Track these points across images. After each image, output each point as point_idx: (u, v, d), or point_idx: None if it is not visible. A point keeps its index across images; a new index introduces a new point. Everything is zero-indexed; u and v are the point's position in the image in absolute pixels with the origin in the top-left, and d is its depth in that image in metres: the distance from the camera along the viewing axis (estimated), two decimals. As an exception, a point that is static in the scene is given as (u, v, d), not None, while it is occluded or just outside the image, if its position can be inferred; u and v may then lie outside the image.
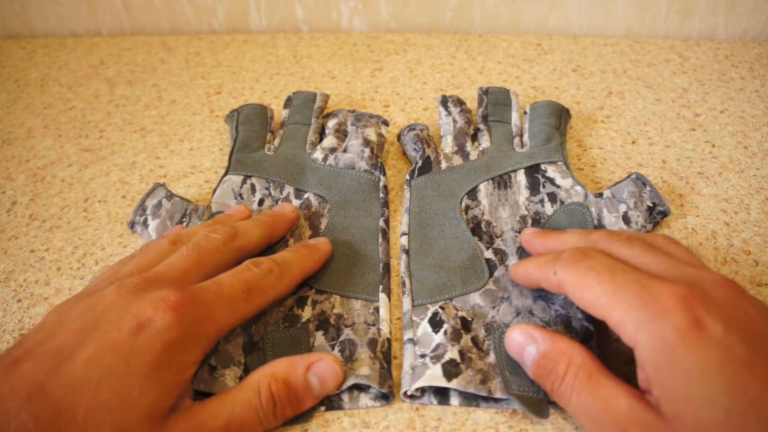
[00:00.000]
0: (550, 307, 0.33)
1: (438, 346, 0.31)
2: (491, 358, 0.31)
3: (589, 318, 0.32)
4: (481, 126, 0.45)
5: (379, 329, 0.33)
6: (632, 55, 0.57)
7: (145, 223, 0.39)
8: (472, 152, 0.42)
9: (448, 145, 0.43)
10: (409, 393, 0.30)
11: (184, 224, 0.38)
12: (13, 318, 0.35)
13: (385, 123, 0.45)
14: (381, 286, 0.35)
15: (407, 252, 0.37)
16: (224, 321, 0.29)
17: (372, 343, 0.32)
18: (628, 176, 0.38)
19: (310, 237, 0.38)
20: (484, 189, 0.40)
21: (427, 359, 0.30)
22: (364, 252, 0.37)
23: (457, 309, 0.33)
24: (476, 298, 0.34)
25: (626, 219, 0.37)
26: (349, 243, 0.37)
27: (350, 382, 0.29)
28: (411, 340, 0.32)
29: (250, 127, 0.45)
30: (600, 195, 0.38)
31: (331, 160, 0.42)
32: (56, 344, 0.26)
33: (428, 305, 0.33)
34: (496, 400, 0.30)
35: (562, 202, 0.38)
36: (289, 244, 0.37)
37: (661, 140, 0.47)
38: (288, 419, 0.29)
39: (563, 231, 0.35)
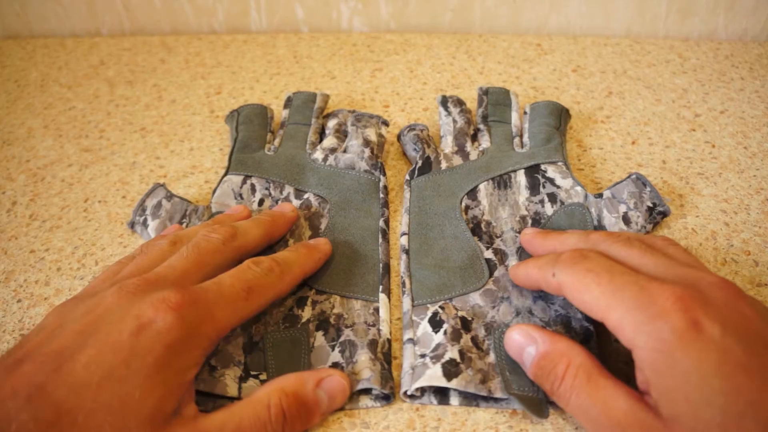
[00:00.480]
0: (549, 307, 0.33)
1: (438, 345, 0.31)
2: (491, 357, 0.31)
3: (589, 318, 0.32)
4: (481, 126, 0.45)
5: (379, 330, 0.33)
6: (632, 56, 0.57)
7: (144, 223, 0.39)
8: (472, 152, 0.42)
9: (448, 145, 0.43)
10: (409, 393, 0.30)
11: (184, 224, 0.38)
12: (13, 318, 0.35)
13: (385, 123, 0.45)
14: (381, 287, 0.35)
15: (407, 252, 0.37)
16: (225, 321, 0.29)
17: (372, 344, 0.32)
18: (628, 176, 0.38)
19: (310, 237, 0.38)
20: (484, 189, 0.40)
21: (427, 359, 0.30)
22: (364, 252, 0.37)
23: (457, 309, 0.33)
24: (476, 298, 0.34)
25: (626, 219, 0.37)
26: (349, 243, 0.37)
27: (355, 388, 0.30)
28: (411, 340, 0.32)
29: (250, 128, 0.45)
30: (600, 195, 0.38)
31: (331, 160, 0.42)
32: (57, 346, 0.26)
33: (428, 305, 0.33)
34: (496, 400, 0.30)
35: (562, 203, 0.38)
36: (289, 244, 0.37)
37: (661, 140, 0.47)
38: (300, 427, 0.28)
39: (563, 231, 0.35)
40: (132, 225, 0.40)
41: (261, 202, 0.40)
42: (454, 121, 0.45)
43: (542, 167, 0.41)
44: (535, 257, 0.33)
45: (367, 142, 0.42)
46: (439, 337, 0.31)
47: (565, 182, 0.39)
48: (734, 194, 0.42)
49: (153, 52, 0.60)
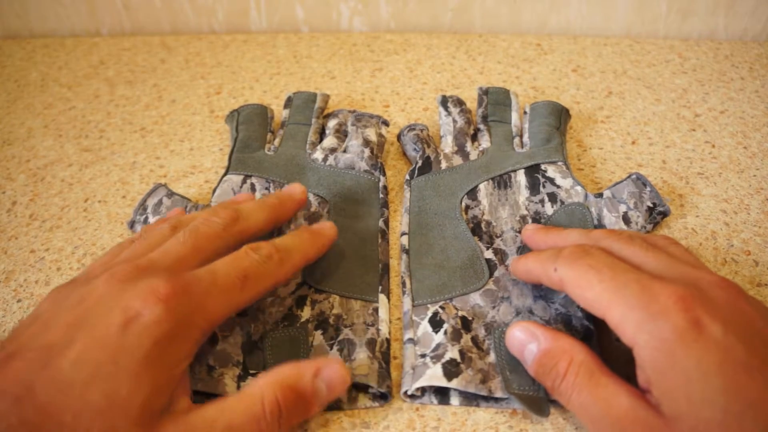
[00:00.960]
0: (550, 307, 0.33)
1: (438, 345, 0.31)
2: (491, 357, 0.31)
3: (590, 317, 0.32)
4: (481, 126, 0.45)
5: (378, 329, 0.33)
6: (632, 56, 0.57)
7: (145, 222, 0.39)
8: (472, 152, 0.42)
9: (448, 145, 0.43)
10: (409, 393, 0.30)
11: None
12: (13, 318, 0.35)
13: (385, 123, 0.45)
14: (380, 287, 0.35)
15: (407, 252, 0.37)
16: (218, 311, 0.28)
17: (371, 343, 0.32)
18: (629, 176, 0.38)
19: None
20: (484, 189, 0.40)
21: (428, 359, 0.30)
22: (363, 252, 0.37)
23: (457, 309, 0.33)
24: (476, 298, 0.34)
25: (626, 219, 0.37)
26: (349, 243, 0.37)
27: (351, 381, 0.29)
28: (411, 340, 0.32)
29: (251, 127, 0.45)
30: (600, 195, 0.38)
31: (331, 160, 0.42)
32: (48, 340, 0.25)
33: (428, 305, 0.33)
34: (497, 400, 0.30)
35: (562, 202, 0.38)
36: None
37: (661, 140, 0.47)
38: (293, 427, 0.28)
39: (564, 228, 0.35)
40: (132, 224, 0.40)
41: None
42: (454, 121, 0.45)
43: (542, 167, 0.41)
44: (536, 251, 0.33)
45: (367, 142, 0.42)
46: (439, 337, 0.31)
47: (565, 182, 0.39)
48: (734, 194, 0.42)
49: (153, 52, 0.60)
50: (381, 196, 0.40)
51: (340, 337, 0.32)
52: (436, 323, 0.32)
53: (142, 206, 0.40)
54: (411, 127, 0.44)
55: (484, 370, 0.30)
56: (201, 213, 0.33)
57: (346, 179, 0.41)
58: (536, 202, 0.39)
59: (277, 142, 0.45)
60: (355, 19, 0.62)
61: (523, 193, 0.39)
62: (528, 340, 0.29)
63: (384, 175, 0.42)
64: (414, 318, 0.33)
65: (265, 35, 0.62)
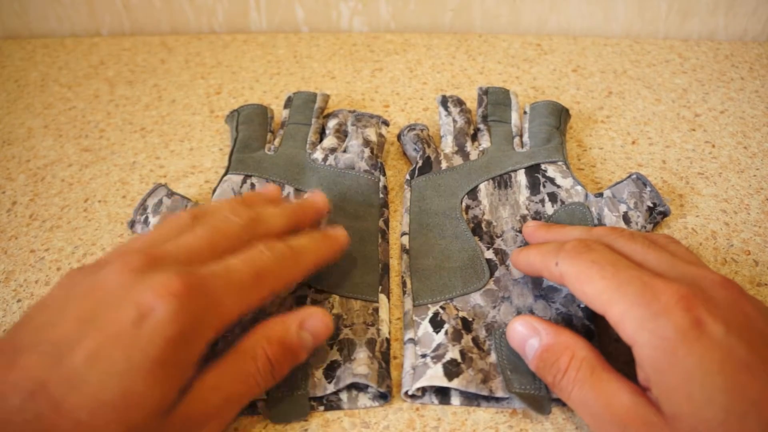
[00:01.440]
0: (550, 306, 0.33)
1: (439, 346, 0.31)
2: (492, 357, 0.31)
3: (590, 317, 0.32)
4: (481, 126, 0.45)
5: (378, 329, 0.33)
6: (632, 56, 0.57)
7: (146, 222, 0.39)
8: (472, 152, 0.42)
9: (448, 145, 0.43)
10: (410, 393, 0.30)
11: None
12: (14, 318, 0.35)
13: (386, 123, 0.45)
14: (380, 287, 0.35)
15: (408, 252, 0.37)
16: (232, 311, 0.27)
17: (371, 343, 0.31)
18: (629, 176, 0.38)
19: None
20: (485, 189, 0.40)
21: (428, 359, 0.30)
22: (363, 253, 0.37)
23: (457, 309, 0.33)
24: (477, 298, 0.34)
25: (626, 219, 0.37)
26: (349, 243, 0.37)
27: (348, 381, 0.29)
28: (412, 340, 0.32)
29: (251, 127, 0.45)
30: (600, 195, 0.38)
31: (331, 160, 0.42)
32: (56, 335, 0.25)
33: (429, 305, 0.33)
34: (497, 400, 0.30)
35: (562, 202, 0.38)
36: None
37: (661, 140, 0.47)
38: (285, 375, 0.29)
39: (565, 225, 0.35)
40: (132, 224, 0.40)
41: (261, 202, 0.40)
42: (454, 121, 0.45)
43: (542, 167, 0.41)
44: (537, 244, 0.33)
45: (366, 142, 0.42)
46: (440, 338, 0.31)
47: (565, 182, 0.39)
48: (734, 194, 0.42)
49: (153, 52, 0.60)
50: (381, 196, 0.40)
51: (340, 337, 0.32)
52: (436, 323, 0.32)
53: (143, 206, 0.40)
54: (411, 127, 0.44)
55: (485, 370, 0.30)
56: (224, 205, 0.32)
57: (346, 179, 0.41)
58: (536, 202, 0.39)
59: (277, 142, 0.45)
60: (355, 19, 0.62)
61: (523, 193, 0.39)
62: (529, 335, 0.29)
63: (384, 175, 0.42)
64: (414, 318, 0.33)
65: (265, 35, 0.62)
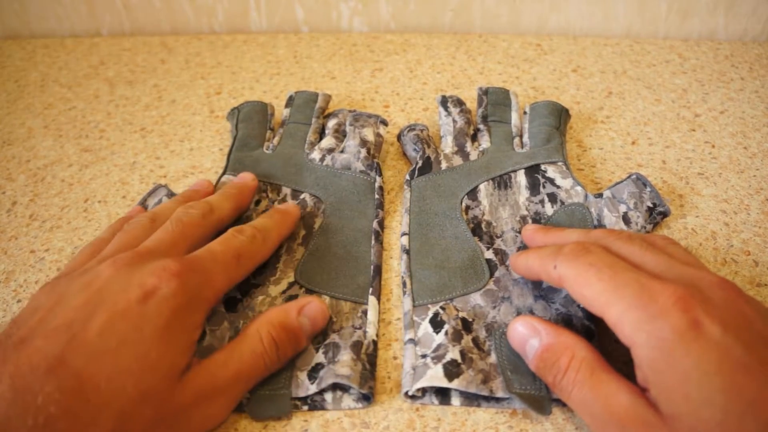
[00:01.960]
0: (550, 306, 0.33)
1: (439, 346, 0.31)
2: (492, 358, 0.31)
3: (590, 317, 0.32)
4: (481, 126, 0.45)
5: (365, 332, 0.33)
6: (632, 56, 0.57)
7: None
8: (472, 152, 0.42)
9: (448, 145, 0.43)
10: (410, 393, 0.30)
11: None
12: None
13: (384, 123, 0.45)
14: (371, 289, 0.35)
15: (408, 252, 0.37)
16: (221, 285, 0.31)
17: (356, 346, 0.31)
18: (629, 177, 0.38)
19: (304, 237, 0.38)
20: (485, 189, 0.40)
21: (428, 359, 0.30)
22: (355, 254, 0.37)
23: (458, 309, 0.33)
24: (477, 299, 0.34)
25: (626, 219, 0.37)
26: (342, 244, 0.37)
27: (329, 381, 0.29)
28: (412, 341, 0.32)
29: (250, 125, 0.45)
30: (600, 195, 0.38)
31: (328, 160, 0.42)
32: (62, 320, 0.26)
33: (429, 305, 0.33)
34: (497, 400, 0.30)
35: (562, 203, 0.38)
36: (283, 243, 0.37)
37: (661, 141, 0.47)
38: (289, 359, 0.31)
39: (564, 228, 0.35)
40: (132, 225, 0.40)
41: (258, 203, 0.40)
42: (454, 121, 0.45)
43: (542, 167, 0.41)
44: (536, 248, 0.33)
45: (363, 143, 0.42)
46: (440, 338, 0.31)
47: (565, 182, 0.39)
48: (734, 194, 0.42)
49: (153, 52, 0.60)
50: (376, 197, 0.40)
51: (327, 341, 0.32)
52: (436, 324, 0.32)
53: (143, 206, 0.40)
54: (411, 128, 0.44)
55: (485, 370, 0.30)
56: (171, 205, 0.36)
57: (342, 180, 0.41)
58: (536, 203, 0.39)
59: (276, 140, 0.45)
60: (355, 19, 0.62)
61: (523, 194, 0.39)
62: (530, 335, 0.29)
63: (380, 175, 0.42)
64: (414, 318, 0.33)
65: (265, 35, 0.62)
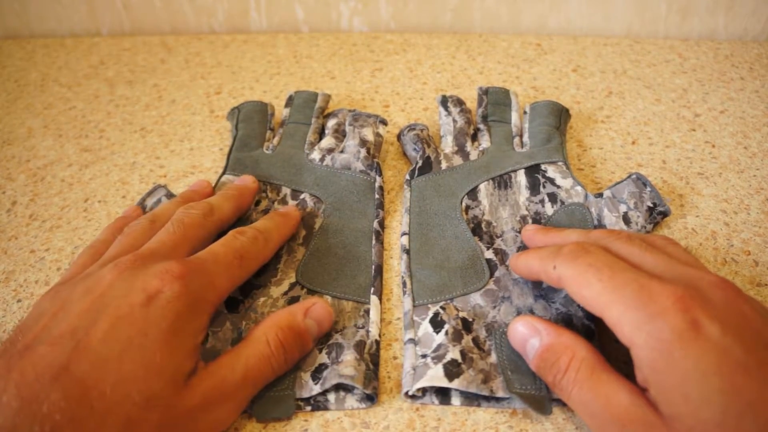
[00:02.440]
0: (550, 306, 0.33)
1: (439, 346, 0.31)
2: (493, 358, 0.31)
3: (590, 317, 0.32)
4: (481, 126, 0.45)
5: (368, 331, 0.33)
6: (632, 55, 0.57)
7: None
8: (472, 152, 0.42)
9: (448, 145, 0.43)
10: (410, 393, 0.30)
11: None
12: (14, 318, 0.35)
13: (384, 122, 0.45)
14: (372, 288, 0.35)
15: (408, 252, 0.37)
16: (224, 287, 0.31)
17: (359, 345, 0.31)
18: (629, 176, 0.38)
19: (305, 237, 0.38)
20: (485, 189, 0.40)
21: (429, 359, 0.30)
22: (356, 254, 0.37)
23: (458, 309, 0.33)
24: (477, 298, 0.34)
25: (626, 219, 0.37)
26: (343, 244, 0.37)
27: (333, 381, 0.29)
28: (412, 340, 0.32)
29: (250, 125, 0.45)
30: (600, 195, 0.38)
31: (328, 160, 0.42)
32: (66, 326, 0.26)
33: (429, 305, 0.33)
34: (498, 400, 0.30)
35: (562, 202, 0.38)
36: (284, 244, 0.37)
37: (661, 140, 0.47)
38: (296, 361, 0.30)
39: (564, 228, 0.35)
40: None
41: (258, 203, 0.40)
42: (454, 121, 0.45)
43: (542, 167, 0.41)
44: (536, 248, 0.33)
45: (363, 142, 0.42)
46: (440, 338, 0.31)
47: (565, 182, 0.39)
48: (734, 194, 0.42)
49: (153, 52, 0.60)
50: (377, 196, 0.40)
51: (330, 341, 0.32)
52: (436, 324, 0.32)
53: (141, 206, 0.40)
54: (411, 127, 0.44)
55: (486, 370, 0.30)
56: (171, 206, 0.36)
57: (342, 179, 0.41)
58: (536, 202, 0.39)
59: (276, 140, 0.45)
60: (355, 19, 0.62)
61: (523, 193, 0.39)
62: (530, 335, 0.29)
63: (380, 175, 0.42)
64: (415, 318, 0.33)
65: (265, 35, 0.62)
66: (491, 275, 0.35)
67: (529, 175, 0.40)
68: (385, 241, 0.39)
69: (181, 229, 0.33)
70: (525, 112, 0.46)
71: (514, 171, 0.41)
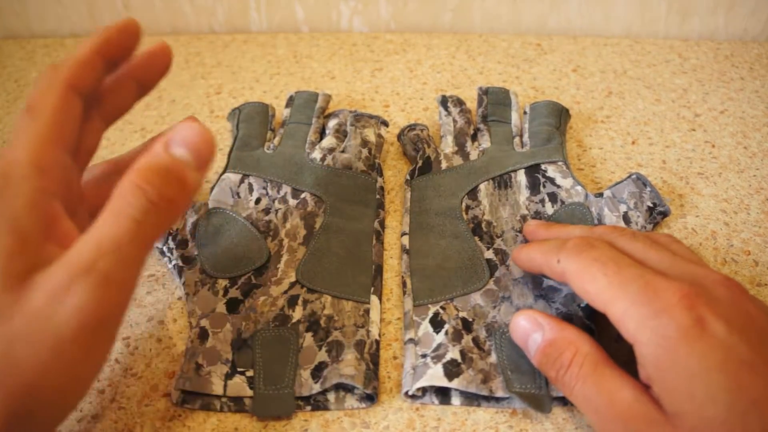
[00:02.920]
0: (551, 306, 0.33)
1: (439, 346, 0.31)
2: (493, 358, 0.31)
3: (590, 316, 0.32)
4: (481, 126, 0.45)
5: (368, 331, 0.33)
6: (632, 56, 0.57)
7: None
8: (472, 152, 0.42)
9: (448, 145, 0.43)
10: (410, 393, 0.30)
11: (181, 215, 0.38)
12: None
13: (385, 124, 0.45)
14: (372, 288, 0.35)
15: (408, 252, 0.37)
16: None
17: (360, 345, 0.31)
18: (629, 176, 0.38)
19: (305, 236, 0.38)
20: (485, 189, 0.40)
21: (428, 359, 0.30)
22: (357, 253, 0.37)
23: (458, 309, 0.33)
24: (477, 298, 0.34)
25: (626, 219, 0.37)
26: (343, 243, 0.37)
27: (334, 381, 0.29)
28: (412, 340, 0.32)
29: (251, 125, 0.45)
30: (600, 195, 0.38)
31: (329, 160, 0.42)
32: None
33: (429, 305, 0.33)
34: (497, 400, 0.30)
35: (562, 202, 0.38)
36: (284, 243, 0.37)
37: (661, 140, 0.47)
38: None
39: (567, 224, 0.35)
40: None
41: (258, 201, 0.40)
42: (454, 121, 0.45)
43: (542, 167, 0.41)
44: (539, 242, 0.33)
45: (365, 143, 0.42)
46: (440, 338, 0.31)
47: (565, 182, 0.39)
48: (734, 194, 0.42)
49: (153, 52, 0.60)
50: (377, 197, 0.40)
51: (330, 339, 0.32)
52: (436, 324, 0.32)
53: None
54: (411, 127, 0.44)
55: (485, 370, 0.30)
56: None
57: (343, 179, 0.41)
58: (537, 202, 0.39)
59: (276, 140, 0.45)
60: (355, 19, 0.62)
61: (523, 193, 0.39)
62: (533, 329, 0.29)
63: (381, 175, 0.42)
64: (415, 318, 0.33)
65: (265, 35, 0.62)
66: (491, 275, 0.35)
67: (529, 175, 0.40)
68: (385, 241, 0.39)
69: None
70: (525, 112, 0.46)
71: (514, 171, 0.41)
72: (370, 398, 0.30)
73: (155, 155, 0.23)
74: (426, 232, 0.38)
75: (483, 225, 0.38)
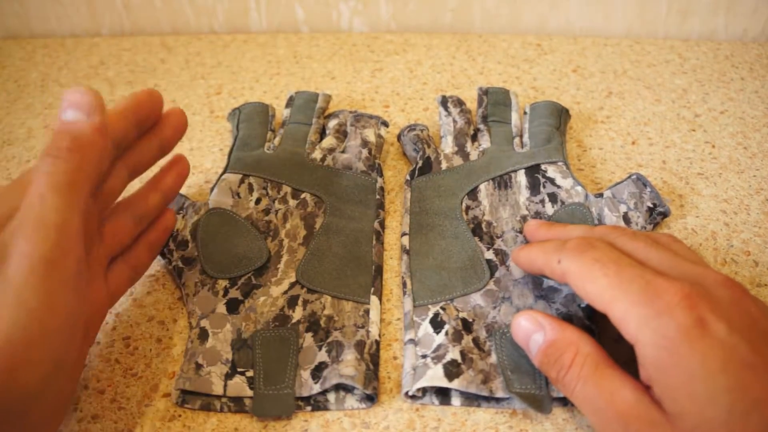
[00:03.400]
0: (551, 306, 0.33)
1: (439, 346, 0.31)
2: (493, 358, 0.31)
3: (590, 316, 0.32)
4: (481, 126, 0.45)
5: (368, 331, 0.33)
6: (632, 56, 0.57)
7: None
8: (473, 152, 0.42)
9: (448, 145, 0.43)
10: (410, 393, 0.30)
11: (180, 216, 0.38)
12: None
13: (385, 124, 0.45)
14: (372, 289, 0.35)
15: (408, 252, 0.37)
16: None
17: (360, 345, 0.31)
18: (629, 177, 0.38)
19: (305, 237, 0.38)
20: (485, 189, 0.40)
21: (429, 360, 0.30)
22: (356, 254, 0.37)
23: (458, 310, 0.33)
24: (477, 299, 0.34)
25: (626, 219, 0.37)
26: (343, 243, 0.37)
27: (334, 381, 0.29)
28: (412, 341, 0.32)
29: (251, 126, 0.45)
30: (600, 195, 0.38)
31: (329, 160, 0.42)
32: None
33: (429, 306, 0.33)
34: (497, 400, 0.30)
35: (562, 203, 0.38)
36: (284, 243, 0.37)
37: (661, 141, 0.47)
38: (99, 168, 0.27)
39: (567, 224, 0.35)
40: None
41: (258, 201, 0.40)
42: (454, 121, 0.45)
43: (542, 167, 0.41)
44: (539, 242, 0.33)
45: (365, 143, 0.42)
46: (440, 338, 0.31)
47: (565, 182, 0.39)
48: (734, 194, 0.42)
49: (153, 52, 0.60)
50: (377, 197, 0.40)
51: (330, 339, 0.32)
52: (437, 324, 0.32)
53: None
54: (411, 128, 0.44)
55: (485, 370, 0.30)
56: None
57: (343, 179, 0.41)
58: (537, 203, 0.39)
59: (276, 141, 0.45)
60: (355, 19, 0.62)
61: (523, 194, 0.39)
62: (534, 330, 0.29)
63: (381, 176, 0.42)
64: (415, 319, 0.33)
65: (265, 35, 0.62)
66: (491, 276, 0.35)
67: (530, 175, 0.40)
68: (385, 242, 0.39)
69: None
70: (525, 113, 0.46)
71: (514, 171, 0.41)
72: (370, 399, 0.30)
73: (54, 133, 0.26)
74: (426, 232, 0.38)
75: (483, 225, 0.38)
